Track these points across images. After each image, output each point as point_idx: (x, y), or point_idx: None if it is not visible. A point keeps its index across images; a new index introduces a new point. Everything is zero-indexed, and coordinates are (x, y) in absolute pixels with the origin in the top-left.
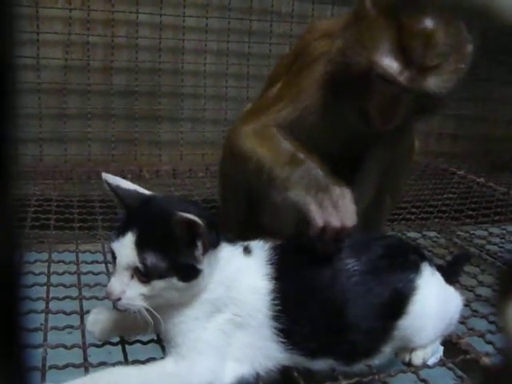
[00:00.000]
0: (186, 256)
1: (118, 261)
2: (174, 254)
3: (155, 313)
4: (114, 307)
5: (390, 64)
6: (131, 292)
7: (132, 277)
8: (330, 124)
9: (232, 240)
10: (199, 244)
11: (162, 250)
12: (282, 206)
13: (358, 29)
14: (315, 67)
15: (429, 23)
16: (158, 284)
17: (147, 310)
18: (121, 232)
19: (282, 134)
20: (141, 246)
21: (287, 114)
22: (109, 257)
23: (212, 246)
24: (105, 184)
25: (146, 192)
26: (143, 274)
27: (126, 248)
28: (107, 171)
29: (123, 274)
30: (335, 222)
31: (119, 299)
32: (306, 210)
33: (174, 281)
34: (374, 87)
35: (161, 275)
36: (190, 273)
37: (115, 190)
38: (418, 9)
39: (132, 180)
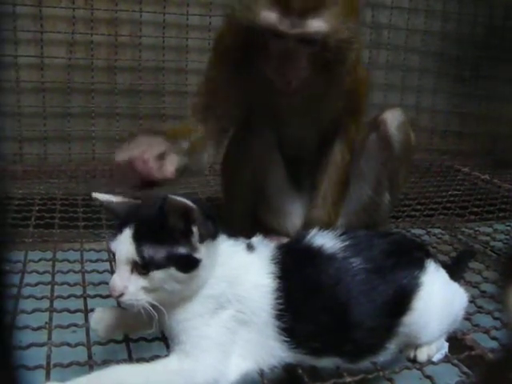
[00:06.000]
0: (183, 245)
1: (117, 257)
2: (171, 244)
3: (160, 306)
4: (119, 305)
5: (268, 15)
6: (133, 286)
7: (132, 271)
8: (244, 97)
9: (234, 236)
10: (195, 230)
11: (158, 240)
12: None
13: None
14: (217, 48)
15: None
16: (157, 275)
17: (151, 304)
18: (118, 231)
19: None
20: (138, 239)
21: (203, 99)
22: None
23: (209, 236)
24: (97, 202)
25: (138, 202)
26: (141, 266)
27: (123, 243)
28: (111, 170)
29: (123, 269)
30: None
31: (122, 295)
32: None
33: (173, 271)
34: (266, 45)
35: (158, 266)
36: (188, 263)
37: (108, 206)
38: None
39: None
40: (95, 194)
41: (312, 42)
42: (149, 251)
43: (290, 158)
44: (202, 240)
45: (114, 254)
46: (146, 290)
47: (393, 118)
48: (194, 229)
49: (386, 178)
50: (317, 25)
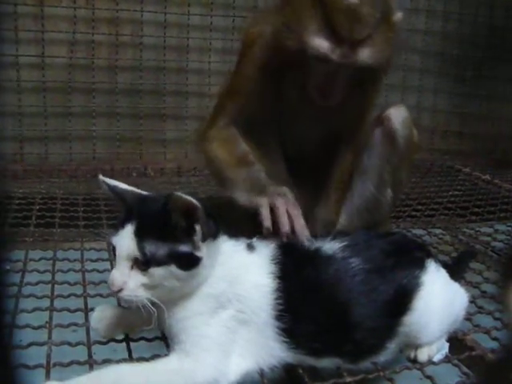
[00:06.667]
0: (185, 243)
1: (117, 252)
2: (173, 241)
3: (159, 302)
4: (119, 304)
5: (320, 43)
6: (132, 282)
7: (132, 267)
8: (274, 104)
9: (235, 236)
10: (197, 228)
11: (160, 237)
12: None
13: (286, 12)
14: (250, 53)
15: None
16: (157, 271)
17: (151, 301)
18: (120, 226)
19: (237, 135)
20: (139, 235)
21: (235, 106)
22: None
23: (211, 235)
24: (103, 184)
25: (143, 192)
26: (142, 263)
27: (125, 239)
28: (112, 169)
29: (123, 264)
30: (285, 228)
31: (121, 290)
32: (256, 209)
33: (173, 269)
34: (309, 66)
35: (159, 263)
36: (189, 261)
37: (114, 189)
38: None
39: (137, 178)
40: (102, 178)
41: (358, 68)
42: (150, 248)
43: (292, 158)
44: (203, 239)
45: (113, 248)
46: (146, 286)
47: (397, 114)
48: (197, 227)
49: (389, 174)
50: (366, 54)
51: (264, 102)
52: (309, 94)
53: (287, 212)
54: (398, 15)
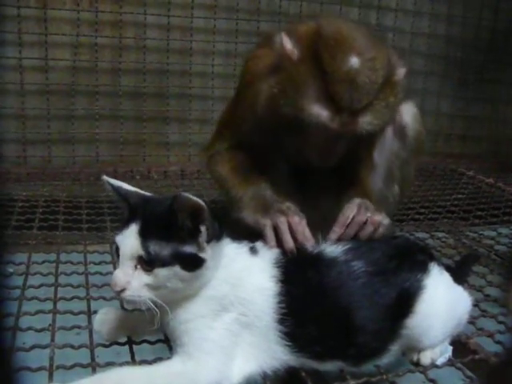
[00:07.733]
0: (190, 244)
1: (121, 252)
2: (178, 242)
3: (162, 303)
4: (122, 307)
5: (319, 112)
6: (136, 282)
7: (136, 267)
8: (274, 136)
9: (238, 239)
10: (203, 229)
11: (165, 237)
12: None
13: (282, 77)
14: (246, 94)
15: (351, 65)
16: (161, 272)
17: (153, 302)
18: (125, 226)
19: (240, 154)
20: (144, 234)
21: (235, 131)
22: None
23: (215, 236)
24: (107, 185)
25: (147, 193)
26: (146, 263)
27: (129, 238)
28: (115, 172)
29: (127, 264)
30: (288, 245)
31: (124, 290)
32: (260, 230)
33: (178, 269)
34: (307, 131)
35: (164, 263)
36: (193, 262)
37: (118, 190)
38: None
39: (140, 181)
40: (106, 178)
41: (358, 134)
42: (155, 247)
43: (297, 170)
44: (208, 240)
45: (116, 248)
46: (149, 286)
47: (407, 109)
48: (203, 228)
49: (398, 169)
50: (366, 121)
51: (262, 134)
52: (306, 154)
53: (290, 227)
54: (401, 72)
